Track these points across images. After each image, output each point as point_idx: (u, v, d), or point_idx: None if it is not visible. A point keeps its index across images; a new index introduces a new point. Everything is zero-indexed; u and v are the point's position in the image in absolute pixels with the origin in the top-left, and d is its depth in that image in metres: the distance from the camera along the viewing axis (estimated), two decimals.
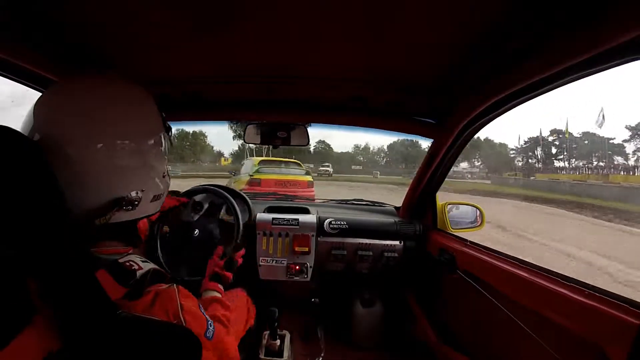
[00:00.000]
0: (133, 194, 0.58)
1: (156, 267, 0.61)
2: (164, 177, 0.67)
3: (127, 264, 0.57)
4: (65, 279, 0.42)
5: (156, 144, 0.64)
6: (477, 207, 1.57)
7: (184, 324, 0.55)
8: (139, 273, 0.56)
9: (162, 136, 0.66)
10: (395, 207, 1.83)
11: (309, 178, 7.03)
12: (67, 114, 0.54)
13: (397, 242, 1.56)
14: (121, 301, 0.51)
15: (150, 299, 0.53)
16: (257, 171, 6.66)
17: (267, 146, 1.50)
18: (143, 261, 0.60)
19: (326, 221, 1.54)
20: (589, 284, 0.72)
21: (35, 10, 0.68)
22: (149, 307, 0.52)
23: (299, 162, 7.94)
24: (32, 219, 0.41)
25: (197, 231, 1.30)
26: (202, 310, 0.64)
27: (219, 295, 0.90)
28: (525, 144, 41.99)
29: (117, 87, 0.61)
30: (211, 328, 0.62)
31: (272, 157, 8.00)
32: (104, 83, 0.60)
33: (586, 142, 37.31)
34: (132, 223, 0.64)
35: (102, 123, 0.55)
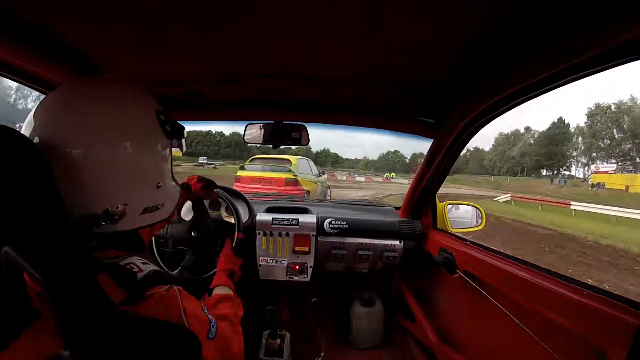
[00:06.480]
0: (112, 208, 0.53)
1: (156, 268, 0.60)
2: (158, 187, 0.61)
3: (128, 266, 0.57)
4: (65, 281, 0.42)
5: (147, 152, 0.59)
6: (477, 207, 1.58)
7: (187, 327, 0.55)
8: (139, 275, 0.56)
9: (159, 142, 0.61)
10: (395, 207, 1.83)
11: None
12: (57, 119, 0.53)
13: (397, 242, 1.56)
14: (123, 306, 0.50)
15: (153, 305, 0.53)
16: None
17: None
18: (143, 263, 0.60)
19: (326, 221, 1.54)
20: (588, 284, 0.72)
21: (36, 10, 0.68)
22: (152, 312, 0.52)
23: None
24: (28, 219, 0.41)
25: (196, 231, 1.30)
26: (205, 311, 0.63)
27: (231, 293, 0.89)
28: None
29: (102, 93, 0.57)
30: (214, 329, 0.62)
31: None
32: (91, 91, 0.57)
33: None
34: (130, 232, 0.60)
35: (77, 130, 0.52)
